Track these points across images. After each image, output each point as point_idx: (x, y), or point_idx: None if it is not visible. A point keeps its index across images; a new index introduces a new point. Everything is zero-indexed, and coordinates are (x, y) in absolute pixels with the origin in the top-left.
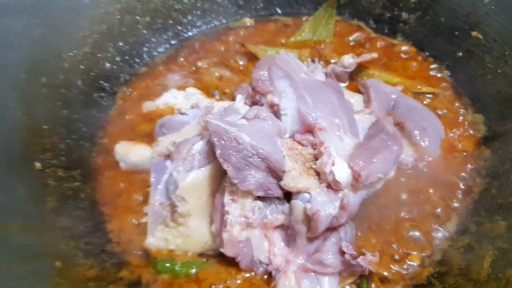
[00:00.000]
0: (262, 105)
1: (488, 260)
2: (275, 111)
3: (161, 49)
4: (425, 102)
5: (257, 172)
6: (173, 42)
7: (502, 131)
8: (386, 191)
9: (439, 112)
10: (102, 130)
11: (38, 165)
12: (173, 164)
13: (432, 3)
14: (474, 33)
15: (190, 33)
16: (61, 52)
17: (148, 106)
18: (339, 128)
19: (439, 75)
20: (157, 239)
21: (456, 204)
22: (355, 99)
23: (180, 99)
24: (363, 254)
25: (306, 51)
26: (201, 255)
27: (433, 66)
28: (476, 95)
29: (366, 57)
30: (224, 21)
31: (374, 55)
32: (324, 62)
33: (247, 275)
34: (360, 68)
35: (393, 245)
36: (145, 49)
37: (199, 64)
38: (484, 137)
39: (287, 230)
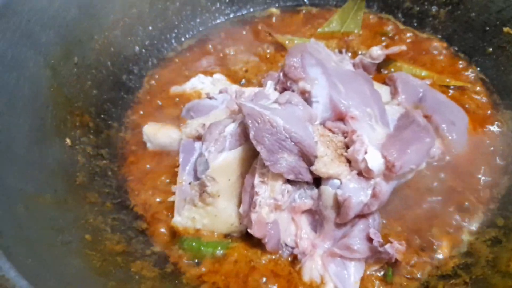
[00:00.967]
0: (293, 91)
1: None
2: (306, 98)
3: (189, 35)
4: (452, 97)
5: (289, 155)
6: (201, 28)
7: None
8: (412, 181)
9: (467, 106)
10: (130, 112)
11: (68, 141)
12: (204, 145)
13: None
14: (506, 29)
15: (218, 21)
16: (93, 34)
17: (175, 90)
18: (370, 118)
19: (468, 71)
20: (184, 218)
21: (482, 198)
22: (382, 91)
23: (207, 84)
24: (390, 242)
25: (334, 42)
26: (226, 236)
27: (462, 61)
28: (506, 91)
29: (395, 49)
30: (251, 10)
31: (403, 47)
32: (352, 54)
33: (273, 257)
34: (388, 60)
35: (418, 235)
36: (173, 34)
37: (227, 51)
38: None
39: (315, 215)
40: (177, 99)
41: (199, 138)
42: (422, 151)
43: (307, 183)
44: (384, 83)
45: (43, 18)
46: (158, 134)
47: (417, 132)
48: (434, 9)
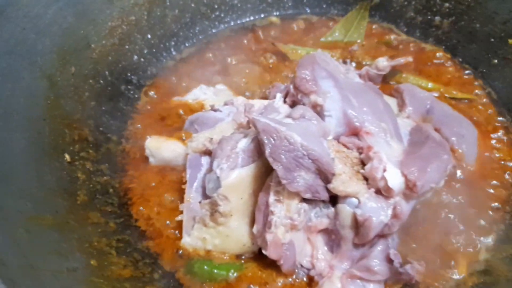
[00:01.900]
0: (304, 105)
1: None
2: (318, 111)
3: (188, 44)
4: (460, 109)
5: (306, 173)
6: (200, 37)
7: None
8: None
9: (475, 119)
10: (129, 124)
11: (67, 157)
12: (215, 161)
13: (467, 9)
14: (511, 41)
15: (217, 29)
16: (90, 42)
17: (177, 100)
18: (385, 133)
19: (474, 83)
20: (193, 238)
21: (496, 213)
22: (389, 103)
23: (209, 95)
24: (410, 262)
25: (338, 52)
26: (238, 256)
27: (467, 72)
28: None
29: (401, 60)
30: (251, 18)
31: (409, 59)
32: (356, 64)
33: (290, 279)
34: (393, 71)
35: (434, 253)
36: (172, 42)
37: (228, 60)
38: None
39: (331, 235)
40: (180, 110)
41: (206, 152)
42: (441, 168)
43: (323, 201)
44: (390, 94)
45: (38, 26)
46: (161, 148)
47: (434, 149)
48: (437, 19)
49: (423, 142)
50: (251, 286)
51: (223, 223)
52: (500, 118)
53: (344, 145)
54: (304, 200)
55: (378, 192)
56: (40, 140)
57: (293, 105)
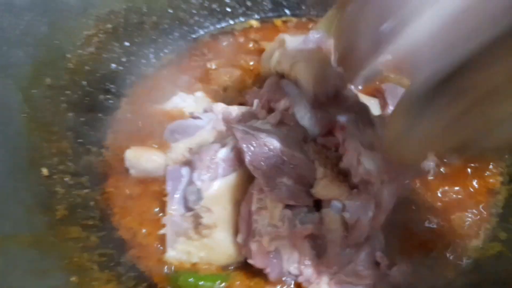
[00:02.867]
0: (275, 110)
1: None
2: (292, 116)
3: (167, 50)
4: None
5: (288, 179)
6: (180, 43)
7: None
8: (408, 198)
9: None
10: (109, 134)
11: (45, 171)
12: (195, 173)
13: None
14: None
15: (197, 34)
16: (66, 52)
17: (157, 109)
18: (356, 121)
19: None
20: (178, 252)
21: (482, 210)
22: (371, 103)
23: (189, 103)
24: (395, 264)
25: None
26: (225, 267)
27: None
28: None
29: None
30: (231, 22)
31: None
32: None
33: (278, 287)
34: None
35: (421, 254)
36: (151, 49)
37: (208, 65)
38: None
39: (316, 240)
40: (160, 118)
41: (186, 163)
42: None
43: (307, 206)
44: (372, 94)
45: (11, 37)
46: (141, 159)
47: None
48: None
49: None
50: None
51: (208, 235)
52: None
53: (323, 146)
54: (288, 206)
55: (358, 187)
56: (17, 155)
57: (269, 110)
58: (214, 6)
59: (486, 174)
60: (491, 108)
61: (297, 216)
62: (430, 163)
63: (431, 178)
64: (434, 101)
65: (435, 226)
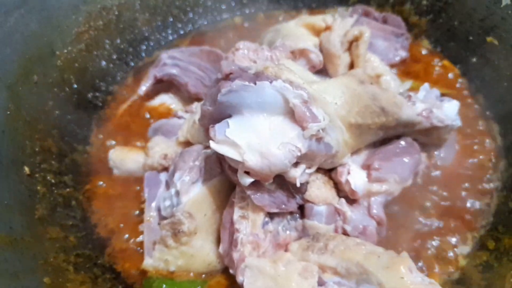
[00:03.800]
0: None
1: (510, 280)
2: None
3: (160, 47)
4: None
5: (271, 184)
6: (172, 40)
7: None
8: (399, 202)
9: None
10: (96, 132)
11: (27, 169)
12: (177, 173)
13: (445, 6)
14: (489, 39)
15: (190, 31)
16: (55, 49)
17: (145, 106)
18: None
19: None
20: (155, 260)
21: (471, 218)
22: None
23: (175, 100)
24: None
25: None
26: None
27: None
28: (490, 103)
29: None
30: (226, 17)
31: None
32: None
33: None
34: None
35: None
36: (143, 47)
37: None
38: (499, 147)
39: None
40: (147, 115)
41: (163, 169)
42: (407, 164)
43: (290, 213)
44: None
45: None
46: (125, 159)
47: (403, 147)
48: (415, 17)
49: (391, 143)
50: None
51: (187, 243)
52: (481, 118)
53: None
54: (270, 214)
55: (347, 197)
56: None
57: None
58: (209, 3)
59: (478, 180)
60: None
61: (280, 223)
62: (420, 165)
63: (419, 181)
64: None
65: (420, 230)
